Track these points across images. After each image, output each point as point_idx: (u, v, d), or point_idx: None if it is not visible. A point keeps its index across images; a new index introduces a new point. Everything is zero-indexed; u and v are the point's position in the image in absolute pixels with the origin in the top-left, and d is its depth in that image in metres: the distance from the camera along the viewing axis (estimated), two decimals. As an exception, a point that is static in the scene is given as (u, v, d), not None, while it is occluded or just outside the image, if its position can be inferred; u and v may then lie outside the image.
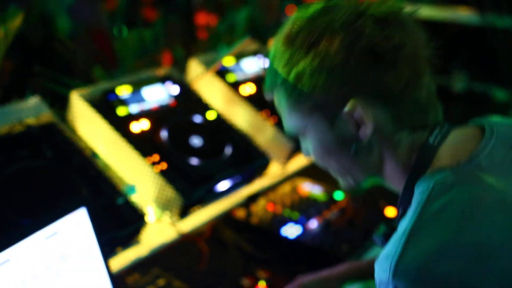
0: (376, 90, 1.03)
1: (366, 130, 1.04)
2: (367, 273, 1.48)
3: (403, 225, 0.97)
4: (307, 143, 1.14)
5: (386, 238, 1.11)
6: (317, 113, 1.07)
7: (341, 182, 1.17)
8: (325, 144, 1.10)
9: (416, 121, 1.06)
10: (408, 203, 1.03)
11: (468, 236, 0.92)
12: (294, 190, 2.07)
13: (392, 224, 1.15)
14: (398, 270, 0.91)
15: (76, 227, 1.26)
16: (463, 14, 3.92)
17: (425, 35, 1.06)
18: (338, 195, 2.01)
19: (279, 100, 1.12)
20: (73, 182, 1.51)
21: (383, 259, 0.95)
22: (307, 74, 1.04)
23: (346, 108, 1.03)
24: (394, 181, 1.12)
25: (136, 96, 1.85)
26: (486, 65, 3.79)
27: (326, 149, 1.11)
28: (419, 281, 0.90)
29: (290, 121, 1.12)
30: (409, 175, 1.06)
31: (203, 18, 3.04)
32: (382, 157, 1.09)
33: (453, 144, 1.05)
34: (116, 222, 1.48)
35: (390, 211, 1.94)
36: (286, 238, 1.78)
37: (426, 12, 3.70)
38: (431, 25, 1.44)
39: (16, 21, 1.77)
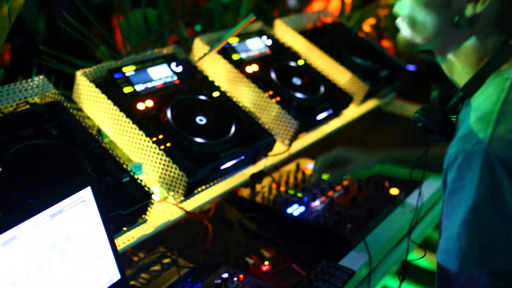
0: None
1: (476, 7, 1.16)
2: (405, 161, 1.62)
3: (489, 106, 1.11)
4: None
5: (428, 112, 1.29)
6: None
7: (403, 33, 1.27)
8: None
9: None
10: (474, 89, 1.19)
11: None
12: (299, 169, 2.07)
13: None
14: (494, 139, 1.04)
15: (81, 206, 1.27)
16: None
17: None
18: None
19: None
20: (79, 161, 1.52)
21: (470, 134, 1.07)
22: None
23: None
24: (460, 63, 1.24)
25: (141, 75, 1.85)
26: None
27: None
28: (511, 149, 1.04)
29: None
30: (485, 66, 1.19)
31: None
32: (466, 39, 1.21)
33: None
34: (122, 201, 1.49)
35: (394, 191, 1.94)
36: (290, 217, 1.79)
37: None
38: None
39: (19, 0, 1.76)
